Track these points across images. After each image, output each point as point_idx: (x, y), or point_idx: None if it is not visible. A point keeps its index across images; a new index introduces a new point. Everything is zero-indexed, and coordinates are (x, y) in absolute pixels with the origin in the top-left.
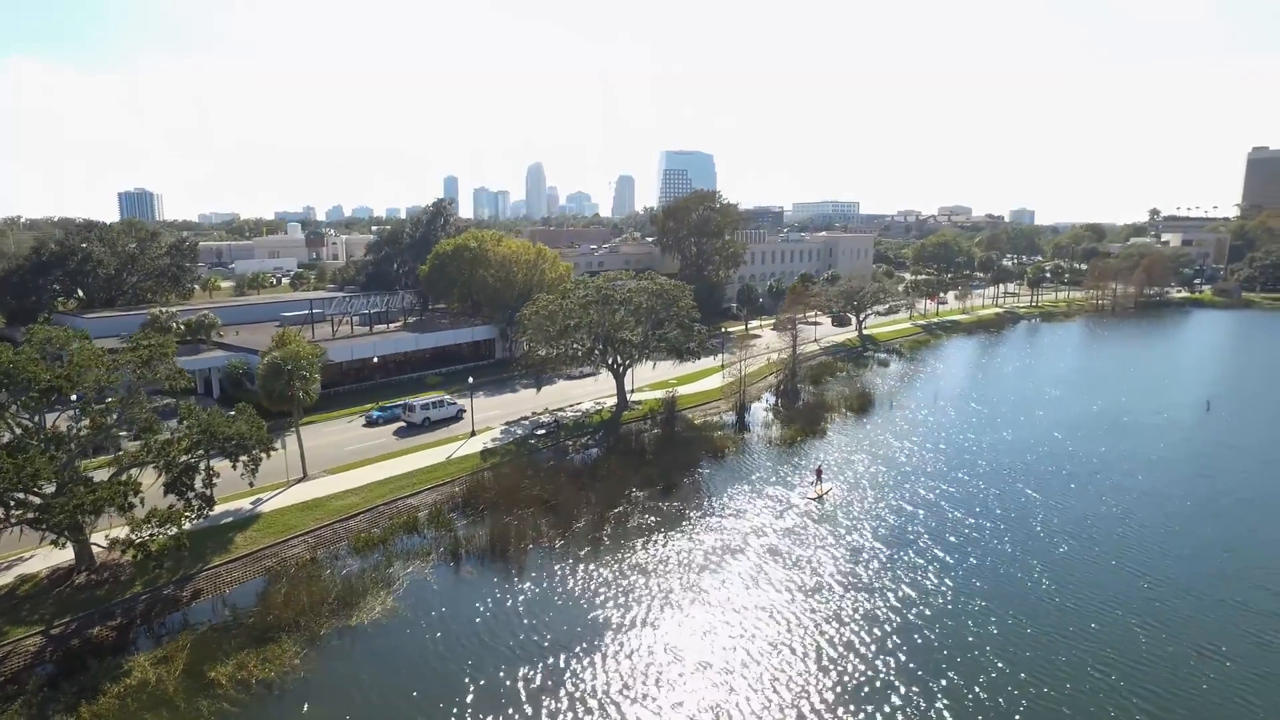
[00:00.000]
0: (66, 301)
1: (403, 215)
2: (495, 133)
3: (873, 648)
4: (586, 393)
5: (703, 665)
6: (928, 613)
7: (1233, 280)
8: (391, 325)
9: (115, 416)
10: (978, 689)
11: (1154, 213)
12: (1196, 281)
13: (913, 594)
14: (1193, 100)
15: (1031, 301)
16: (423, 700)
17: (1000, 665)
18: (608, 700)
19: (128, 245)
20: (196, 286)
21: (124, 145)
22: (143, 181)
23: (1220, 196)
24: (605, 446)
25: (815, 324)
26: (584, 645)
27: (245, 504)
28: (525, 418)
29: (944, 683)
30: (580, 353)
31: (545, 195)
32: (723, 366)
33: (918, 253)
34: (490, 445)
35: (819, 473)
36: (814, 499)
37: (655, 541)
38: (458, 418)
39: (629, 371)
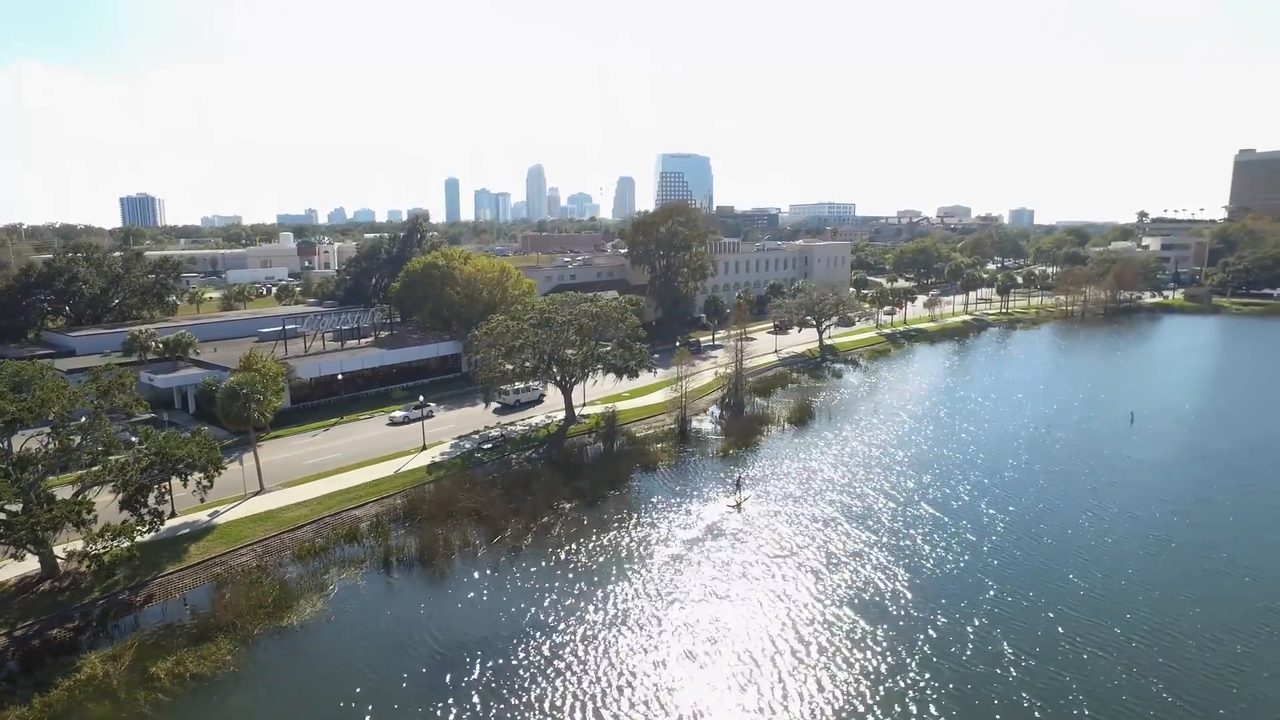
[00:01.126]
0: (55, 319)
1: (404, 218)
2: (497, 134)
3: (754, 641)
4: (541, 407)
5: (608, 659)
6: (807, 614)
7: (1208, 283)
8: (363, 340)
9: (80, 440)
10: (841, 685)
11: (1142, 215)
12: (1171, 286)
13: (796, 596)
14: (1194, 99)
15: (1002, 308)
16: (337, 692)
17: (859, 664)
18: (512, 695)
19: (114, 265)
20: (180, 302)
21: (126, 148)
22: (145, 185)
23: (1214, 197)
24: (545, 460)
25: (781, 334)
26: (497, 645)
27: (203, 516)
28: (477, 431)
29: (810, 676)
30: (527, 370)
31: (546, 197)
32: (715, 376)
33: (898, 259)
34: (438, 459)
35: (739, 483)
36: (732, 507)
37: (573, 549)
38: (540, 400)
39: (579, 386)
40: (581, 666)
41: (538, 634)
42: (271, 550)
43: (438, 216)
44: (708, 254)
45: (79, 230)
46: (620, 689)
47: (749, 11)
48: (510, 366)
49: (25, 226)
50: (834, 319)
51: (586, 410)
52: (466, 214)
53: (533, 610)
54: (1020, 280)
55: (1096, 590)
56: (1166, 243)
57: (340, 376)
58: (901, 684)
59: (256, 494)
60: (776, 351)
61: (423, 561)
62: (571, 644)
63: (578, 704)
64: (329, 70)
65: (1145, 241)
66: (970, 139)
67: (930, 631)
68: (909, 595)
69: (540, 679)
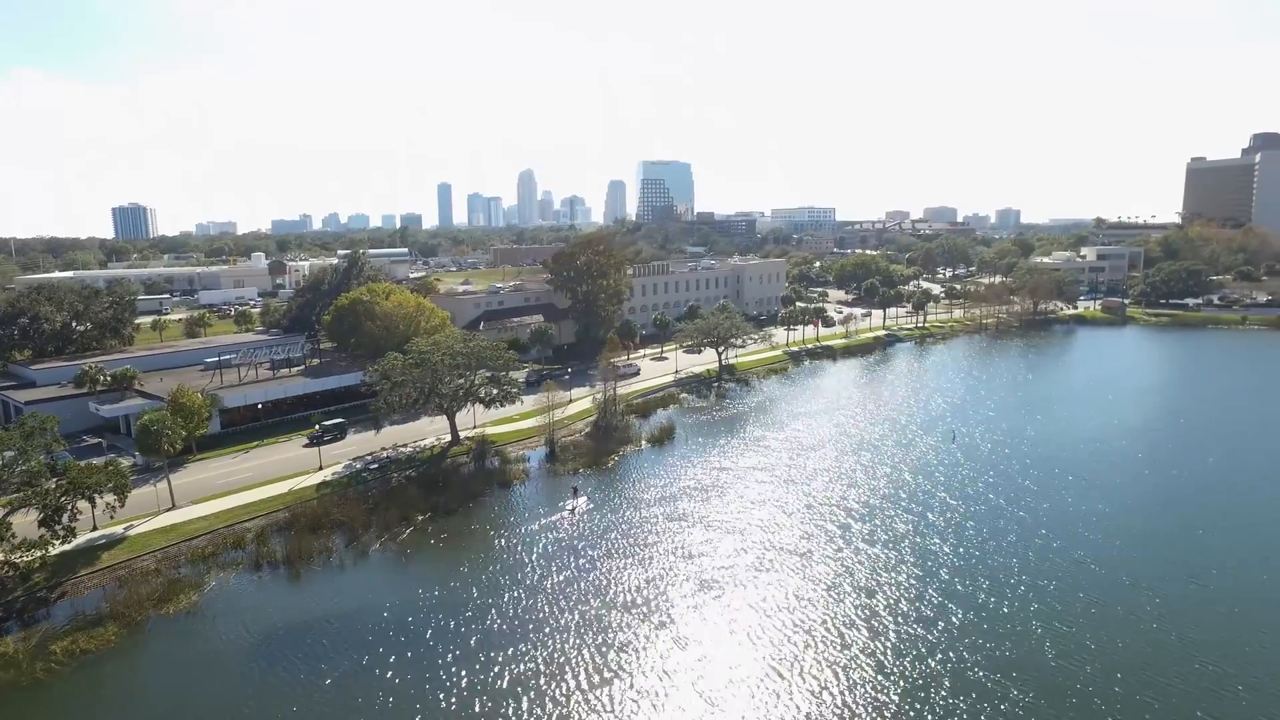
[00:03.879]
0: (22, 351)
1: (398, 223)
2: (495, 135)
3: (566, 626)
4: (435, 429)
5: (452, 648)
6: (613, 593)
7: (1133, 292)
8: (294, 369)
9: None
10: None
11: (1099, 221)
12: (1094, 296)
13: (609, 581)
14: (1190, 97)
15: (917, 324)
16: (199, 662)
17: (643, 635)
18: (346, 665)
19: (74, 302)
20: (139, 330)
21: (123, 151)
22: (142, 189)
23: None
24: (420, 478)
25: (695, 353)
26: (339, 627)
27: (119, 530)
28: (372, 452)
29: (608, 647)
30: (410, 400)
31: (537, 201)
32: (593, 402)
33: (839, 273)
34: (329, 478)
35: (575, 490)
36: (567, 511)
37: (415, 553)
38: (638, 372)
39: (460, 412)
40: (407, 643)
41: (374, 617)
42: (169, 556)
43: (430, 221)
44: (624, 281)
45: (67, 244)
46: (444, 665)
47: (748, 12)
48: (397, 397)
49: (15, 241)
50: (732, 341)
51: (492, 430)
52: (460, 218)
53: (371, 599)
54: (940, 293)
55: (853, 605)
56: (1102, 252)
57: (260, 406)
58: (658, 658)
59: (168, 510)
60: (677, 371)
61: (287, 564)
62: (400, 623)
63: (404, 672)
64: (329, 71)
65: (1084, 251)
66: (962, 140)
67: (708, 612)
68: (692, 580)
69: (369, 653)
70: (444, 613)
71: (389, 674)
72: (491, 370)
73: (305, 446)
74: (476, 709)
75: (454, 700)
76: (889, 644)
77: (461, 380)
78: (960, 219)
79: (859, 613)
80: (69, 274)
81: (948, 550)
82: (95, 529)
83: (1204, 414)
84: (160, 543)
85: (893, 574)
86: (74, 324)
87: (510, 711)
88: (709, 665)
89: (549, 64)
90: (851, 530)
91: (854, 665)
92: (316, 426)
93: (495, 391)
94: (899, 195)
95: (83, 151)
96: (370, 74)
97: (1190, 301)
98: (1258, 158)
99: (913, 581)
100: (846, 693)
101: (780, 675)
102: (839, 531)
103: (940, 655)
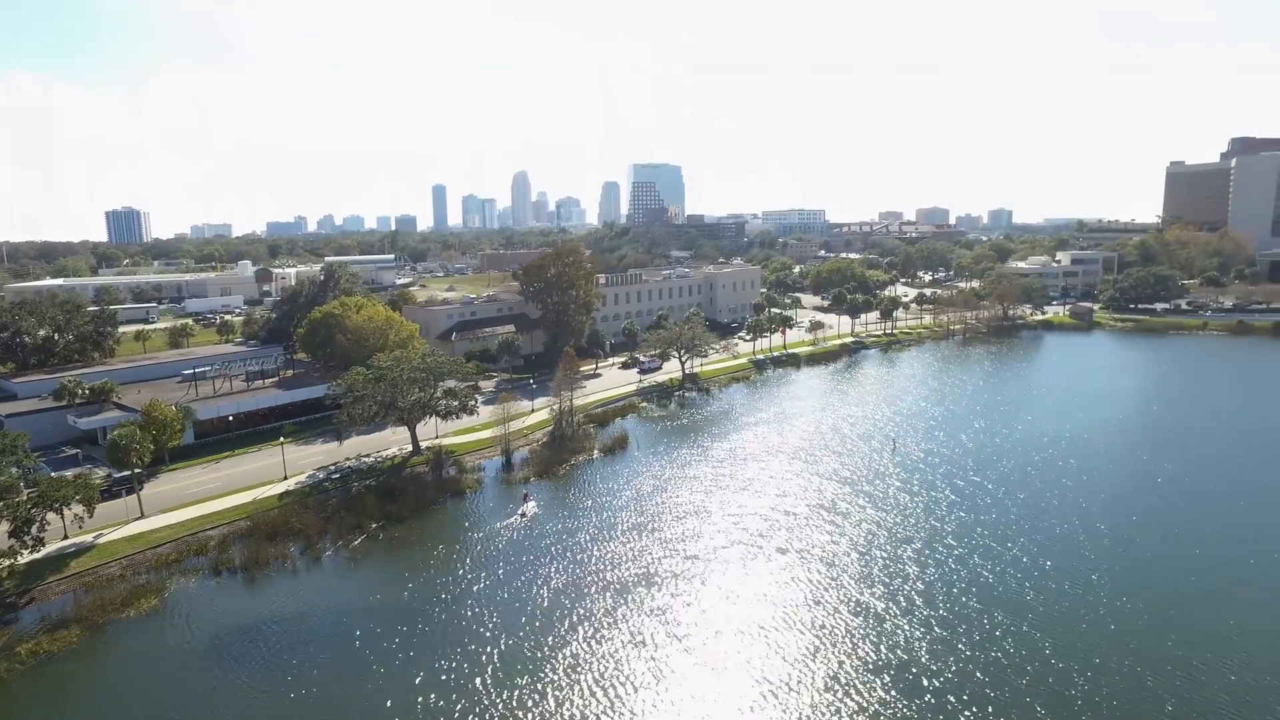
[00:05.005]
0: (5, 364)
1: (393, 225)
2: (493, 136)
3: (502, 626)
4: (398, 440)
5: (396, 647)
6: (559, 585)
7: (1103, 297)
8: (268, 380)
9: None
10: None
11: (1081, 223)
12: (1066, 302)
13: (555, 575)
14: (1184, 94)
15: (885, 330)
16: (156, 661)
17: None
18: (295, 659)
19: (55, 317)
20: (122, 341)
21: (120, 154)
22: (139, 188)
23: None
24: (379, 487)
25: (664, 360)
26: (289, 626)
27: (89, 538)
28: (336, 463)
29: (551, 631)
30: (371, 413)
31: (531, 202)
32: (550, 413)
33: (815, 279)
34: (292, 488)
35: (526, 496)
36: (519, 515)
37: (368, 558)
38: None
39: (422, 424)
40: (353, 643)
41: (323, 619)
42: (135, 563)
43: (425, 222)
44: (594, 292)
45: (60, 249)
46: (388, 664)
47: (747, 13)
48: (359, 410)
49: (7, 245)
50: (695, 350)
51: (454, 440)
52: (455, 219)
53: (322, 603)
54: (911, 299)
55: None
56: (1076, 257)
57: (231, 418)
58: (597, 642)
59: (137, 519)
60: (640, 380)
61: (244, 570)
62: (347, 625)
63: (349, 671)
64: (329, 72)
65: (1059, 256)
66: (958, 140)
67: (625, 613)
68: (630, 569)
69: (318, 652)
70: (389, 614)
71: (335, 672)
72: (454, 382)
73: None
74: (419, 706)
75: (396, 697)
76: (794, 647)
77: (420, 394)
78: (953, 220)
79: (768, 616)
80: (59, 281)
81: (854, 559)
82: (66, 538)
83: (1140, 422)
84: (127, 550)
85: (797, 586)
86: (56, 337)
87: (446, 704)
88: (629, 662)
89: (549, 64)
90: (768, 538)
91: (768, 661)
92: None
93: (454, 404)
94: (895, 196)
95: (81, 152)
96: (370, 75)
97: (1158, 307)
98: (1233, 163)
99: (816, 590)
100: (771, 688)
101: (709, 669)
102: (754, 539)
103: (818, 657)
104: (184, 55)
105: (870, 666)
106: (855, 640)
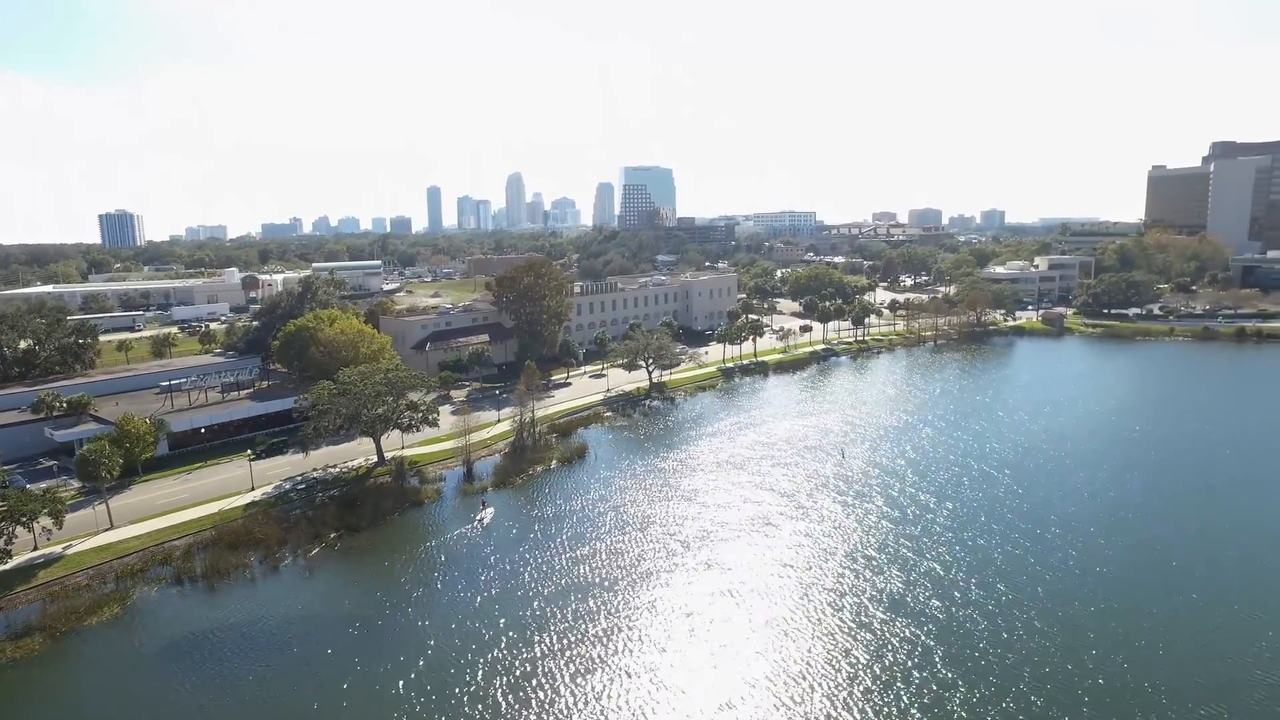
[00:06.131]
0: None
1: (388, 226)
2: (492, 137)
3: (453, 625)
4: (364, 451)
5: (347, 652)
6: (519, 585)
7: (1077, 302)
8: (243, 392)
9: None
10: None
11: (1065, 226)
12: (1040, 308)
13: (516, 577)
14: (1181, 93)
15: (857, 337)
16: (115, 667)
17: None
18: (248, 662)
19: (37, 330)
20: (103, 352)
21: (117, 153)
22: (135, 195)
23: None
24: (341, 498)
25: (634, 369)
26: (246, 631)
27: (58, 549)
28: (302, 474)
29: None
30: (337, 427)
31: (525, 204)
32: (511, 423)
33: (794, 285)
34: (258, 498)
35: (484, 503)
36: (478, 521)
37: (324, 566)
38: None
39: (387, 435)
40: (307, 648)
41: (279, 626)
42: (101, 572)
43: (420, 224)
44: (566, 303)
45: (51, 253)
46: (339, 667)
47: (747, 13)
48: (325, 424)
49: None
50: (660, 360)
51: (417, 451)
52: (450, 221)
53: (278, 610)
54: (884, 305)
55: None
56: (1054, 262)
57: (204, 430)
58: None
59: (106, 530)
60: (608, 390)
61: (205, 579)
62: (301, 631)
63: (303, 674)
64: (329, 73)
65: (1037, 261)
66: (952, 141)
67: (565, 615)
68: (573, 576)
69: (272, 657)
70: (341, 622)
71: (287, 679)
72: (419, 394)
73: (254, 459)
74: (370, 706)
75: (337, 701)
76: (729, 650)
77: (383, 408)
78: (946, 220)
79: (683, 622)
80: (48, 289)
81: (794, 571)
82: (36, 549)
83: (1095, 430)
84: (94, 560)
85: (725, 597)
86: (37, 349)
87: (386, 709)
88: (561, 661)
89: (549, 64)
90: (699, 547)
91: (710, 661)
92: (258, 448)
93: (416, 416)
94: (890, 196)
95: (81, 153)
96: (370, 75)
97: (1131, 312)
98: (1212, 167)
99: (741, 599)
100: (715, 685)
101: (648, 669)
102: (681, 549)
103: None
104: (184, 56)
105: (798, 675)
106: (791, 650)
